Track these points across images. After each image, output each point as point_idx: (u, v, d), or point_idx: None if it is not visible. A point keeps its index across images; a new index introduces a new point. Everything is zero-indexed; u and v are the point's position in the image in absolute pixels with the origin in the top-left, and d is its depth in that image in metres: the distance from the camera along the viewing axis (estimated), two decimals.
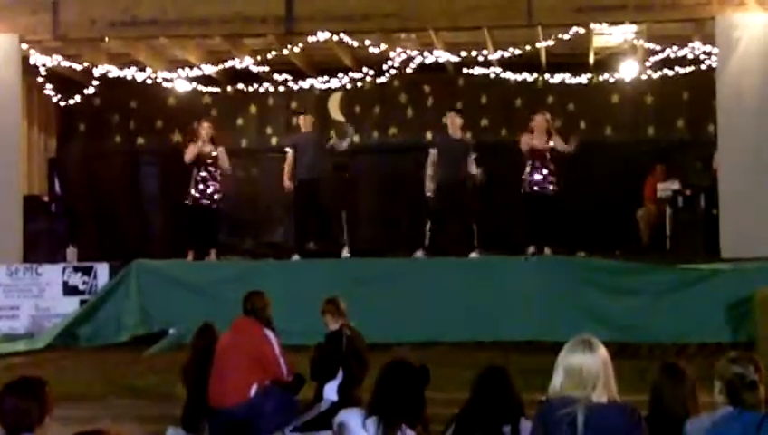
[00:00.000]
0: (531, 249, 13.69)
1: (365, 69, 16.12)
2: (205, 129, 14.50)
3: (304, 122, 14.73)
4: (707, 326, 11.92)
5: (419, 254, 13.69)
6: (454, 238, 14.02)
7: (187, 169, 14.49)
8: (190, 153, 14.37)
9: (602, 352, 4.85)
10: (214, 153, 14.47)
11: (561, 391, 4.83)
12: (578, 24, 13.99)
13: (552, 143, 13.97)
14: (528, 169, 13.94)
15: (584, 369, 4.79)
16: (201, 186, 14.37)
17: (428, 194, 14.08)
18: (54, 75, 15.83)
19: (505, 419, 5.54)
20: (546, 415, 4.87)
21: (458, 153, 13.95)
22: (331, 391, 8.64)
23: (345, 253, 14.15)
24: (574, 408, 4.73)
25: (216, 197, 14.48)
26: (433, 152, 14.04)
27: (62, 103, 16.40)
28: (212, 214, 14.55)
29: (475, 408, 5.59)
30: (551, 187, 13.91)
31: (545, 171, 13.90)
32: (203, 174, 14.39)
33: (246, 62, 15.51)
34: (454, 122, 14.13)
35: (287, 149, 14.61)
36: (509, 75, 16.18)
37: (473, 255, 13.56)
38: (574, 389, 4.79)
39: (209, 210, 14.50)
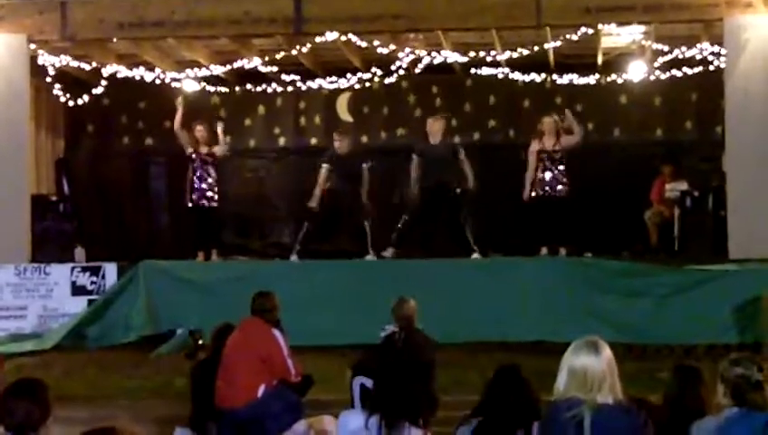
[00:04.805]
0: (544, 251, 13.70)
1: (373, 69, 16.09)
2: (199, 132, 14.60)
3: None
4: (715, 327, 11.91)
5: (389, 252, 13.86)
6: (447, 241, 14.29)
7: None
8: (183, 139, 14.67)
9: (607, 353, 4.84)
10: (211, 150, 14.63)
11: (565, 393, 4.83)
12: (586, 25, 13.95)
13: (562, 144, 13.98)
14: (538, 171, 13.94)
15: (589, 371, 4.79)
16: (198, 186, 14.48)
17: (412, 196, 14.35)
18: (63, 75, 15.81)
19: (521, 421, 5.46)
20: (552, 417, 4.86)
21: (438, 157, 14.13)
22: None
23: (370, 256, 14.02)
24: (580, 410, 4.73)
25: (214, 196, 14.56)
26: (415, 158, 14.28)
27: (71, 103, 16.35)
28: (212, 213, 14.63)
29: (490, 409, 5.55)
30: (561, 187, 13.91)
31: (555, 172, 13.90)
32: (199, 174, 14.51)
33: (255, 62, 15.48)
34: (432, 128, 14.35)
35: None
36: (517, 76, 16.13)
37: (474, 256, 13.61)
38: (578, 390, 4.78)
39: (209, 210, 14.58)
